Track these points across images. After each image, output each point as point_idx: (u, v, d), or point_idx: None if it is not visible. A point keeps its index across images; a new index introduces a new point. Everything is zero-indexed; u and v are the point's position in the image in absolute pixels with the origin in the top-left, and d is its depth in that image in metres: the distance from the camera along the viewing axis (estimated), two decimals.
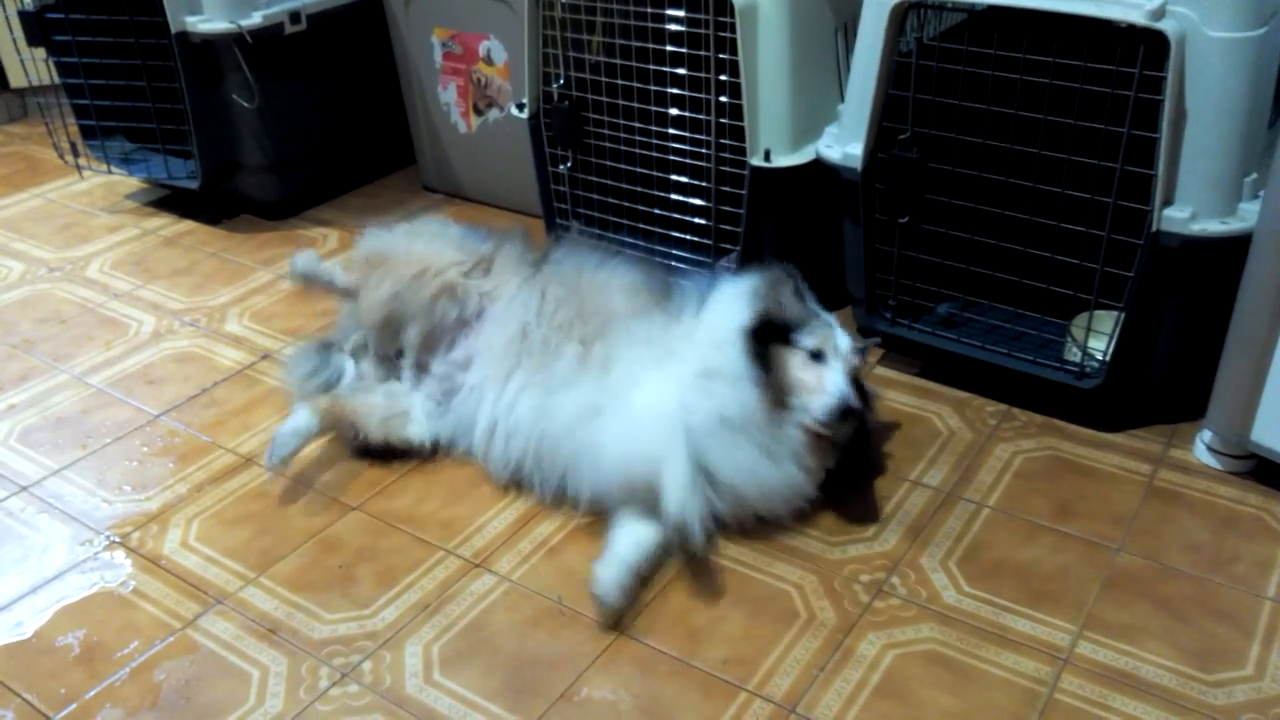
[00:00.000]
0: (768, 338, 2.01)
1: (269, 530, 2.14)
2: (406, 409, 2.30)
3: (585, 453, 2.04)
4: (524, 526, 2.13)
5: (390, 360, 2.37)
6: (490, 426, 2.19)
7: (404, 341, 2.31)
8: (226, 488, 2.26)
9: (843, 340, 2.05)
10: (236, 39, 3.05)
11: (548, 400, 2.11)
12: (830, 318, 2.10)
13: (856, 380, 2.04)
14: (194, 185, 3.27)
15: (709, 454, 1.98)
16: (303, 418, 2.22)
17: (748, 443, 1.98)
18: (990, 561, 2.00)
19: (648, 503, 1.94)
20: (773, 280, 2.09)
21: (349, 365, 2.42)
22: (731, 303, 2.11)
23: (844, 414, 1.96)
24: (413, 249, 2.32)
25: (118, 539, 2.14)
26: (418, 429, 2.30)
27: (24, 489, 2.29)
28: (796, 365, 2.01)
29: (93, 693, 1.81)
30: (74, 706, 1.78)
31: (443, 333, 2.29)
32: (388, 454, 2.30)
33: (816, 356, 2.01)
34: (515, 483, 2.20)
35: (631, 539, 1.95)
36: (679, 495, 1.87)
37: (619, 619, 1.88)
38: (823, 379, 1.99)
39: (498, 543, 2.09)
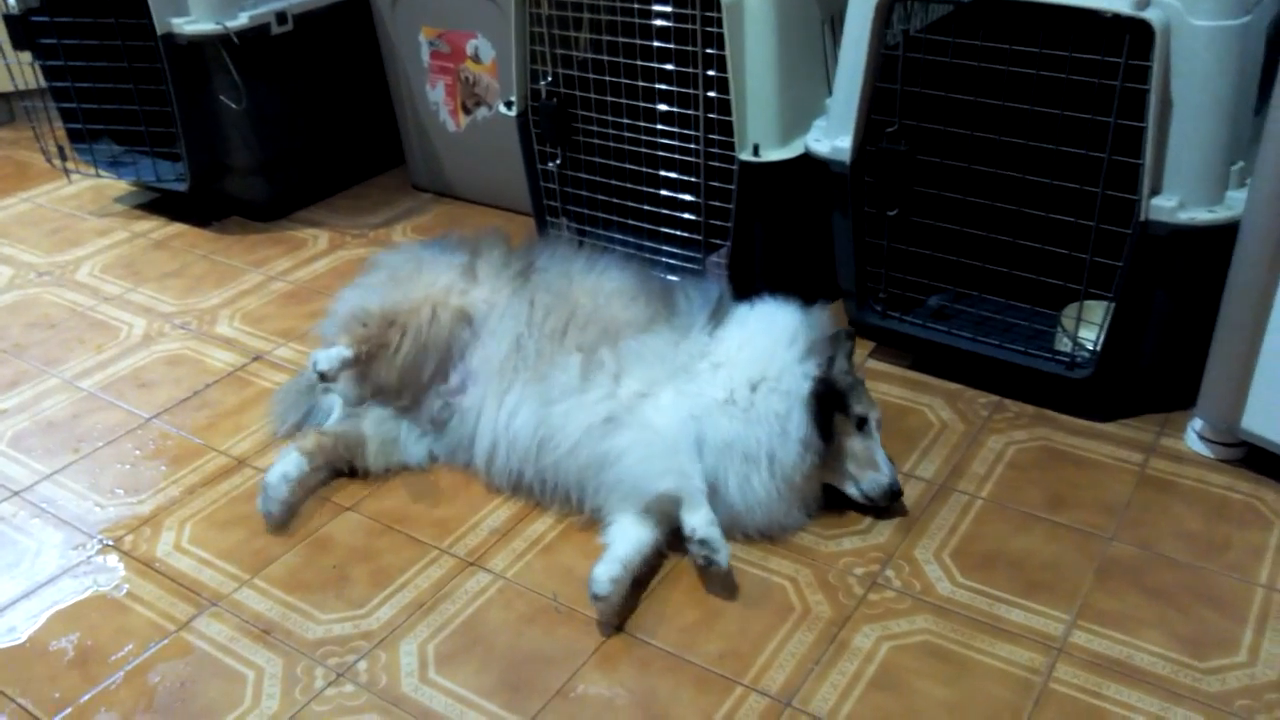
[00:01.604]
0: (829, 405, 2.02)
1: (262, 532, 2.13)
2: (397, 435, 2.27)
3: (600, 464, 2.03)
4: (518, 525, 2.13)
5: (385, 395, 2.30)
6: (491, 444, 2.17)
7: (420, 381, 2.24)
8: (219, 490, 2.26)
9: (875, 408, 2.10)
10: (223, 40, 3.04)
11: (548, 410, 2.10)
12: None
13: None
14: (183, 187, 3.27)
15: (718, 472, 2.00)
16: (291, 461, 2.16)
17: (768, 480, 2.00)
18: (984, 552, 2.00)
19: (666, 518, 1.95)
20: (834, 339, 2.10)
21: (337, 402, 2.32)
22: (777, 342, 2.09)
23: (893, 495, 2.04)
24: (411, 293, 2.23)
25: (111, 542, 2.14)
26: (413, 452, 2.27)
27: (16, 494, 2.28)
28: (846, 433, 2.05)
29: (88, 696, 1.80)
30: (69, 710, 1.78)
31: (447, 359, 2.24)
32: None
33: (861, 423, 2.05)
34: (515, 490, 2.19)
35: (627, 543, 1.93)
36: (701, 517, 1.87)
37: (621, 619, 1.88)
38: (873, 454, 2.05)
39: (491, 541, 2.09)
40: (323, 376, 2.13)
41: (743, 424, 2.02)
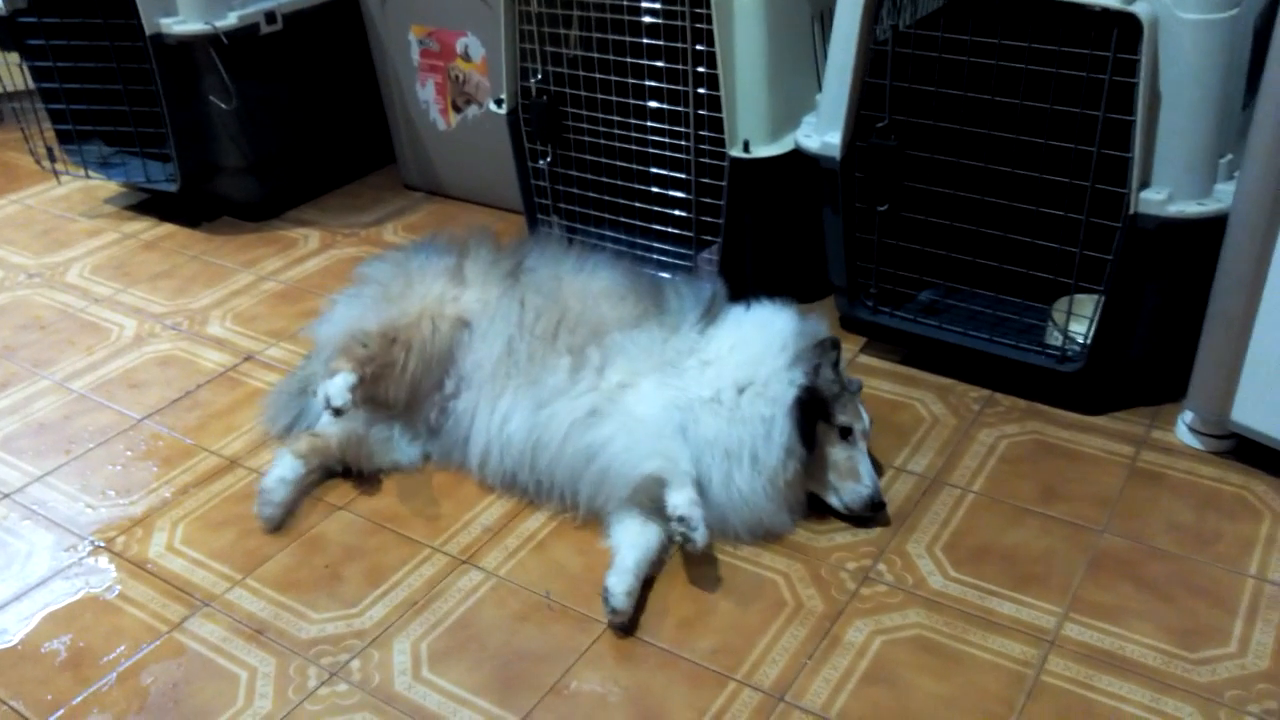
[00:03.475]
0: (812, 413, 2.01)
1: (254, 532, 2.13)
2: (391, 435, 2.26)
3: (586, 456, 2.03)
4: (510, 522, 2.13)
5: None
6: (484, 447, 2.16)
7: (425, 392, 2.23)
8: (211, 490, 2.26)
9: (864, 415, 2.09)
10: (212, 40, 3.03)
11: (539, 414, 2.10)
12: (851, 383, 2.12)
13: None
14: (173, 188, 3.26)
15: (701, 468, 1.99)
16: (287, 465, 2.17)
17: (751, 477, 2.00)
18: (975, 546, 2.00)
19: (652, 502, 1.95)
20: (820, 347, 2.07)
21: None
22: (768, 348, 2.08)
23: (874, 506, 2.03)
24: (407, 309, 2.21)
25: (102, 544, 2.13)
26: (406, 452, 2.27)
27: (7, 496, 2.28)
28: (829, 442, 2.04)
29: (80, 698, 1.80)
30: (61, 712, 1.78)
31: (448, 365, 2.22)
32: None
33: (845, 433, 2.05)
34: (510, 490, 2.19)
35: (636, 549, 1.93)
36: (684, 496, 1.87)
37: (634, 625, 1.87)
38: (856, 465, 2.04)
39: (484, 539, 2.09)
40: (338, 411, 2.07)
41: (726, 423, 2.02)
